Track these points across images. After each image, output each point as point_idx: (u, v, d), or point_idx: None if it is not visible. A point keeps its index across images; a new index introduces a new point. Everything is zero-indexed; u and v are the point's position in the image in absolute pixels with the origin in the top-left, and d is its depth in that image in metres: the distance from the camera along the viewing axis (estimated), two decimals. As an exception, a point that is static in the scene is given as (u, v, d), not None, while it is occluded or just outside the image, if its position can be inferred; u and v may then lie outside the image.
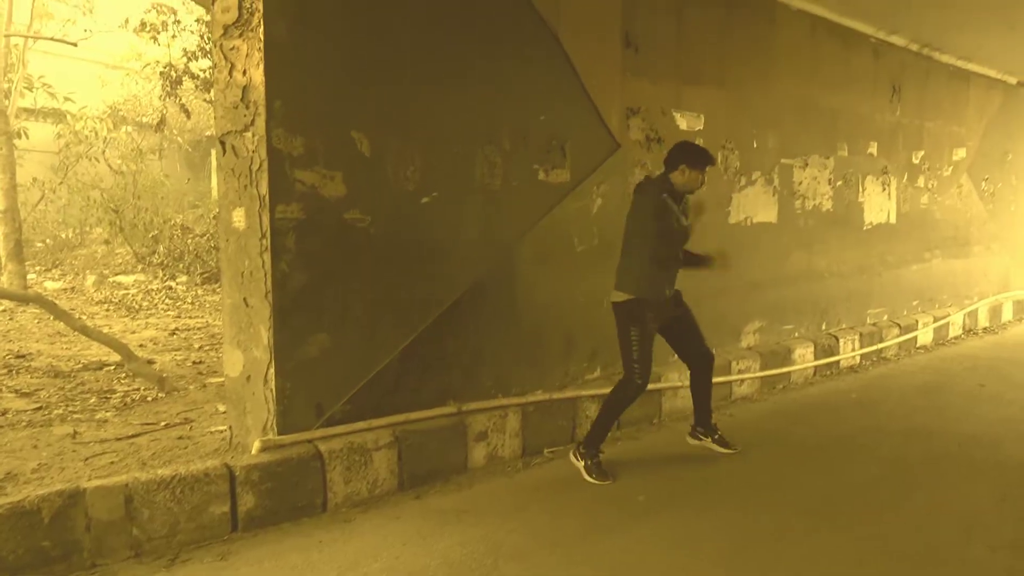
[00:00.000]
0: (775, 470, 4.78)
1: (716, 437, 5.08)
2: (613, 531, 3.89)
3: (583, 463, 4.64)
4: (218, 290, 10.35)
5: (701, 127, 6.16)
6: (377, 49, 4.27)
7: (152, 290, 10.31)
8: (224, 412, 4.91)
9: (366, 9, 4.23)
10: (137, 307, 9.23)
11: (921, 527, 3.93)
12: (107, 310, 9.05)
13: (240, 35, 3.98)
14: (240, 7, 3.96)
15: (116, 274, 11.44)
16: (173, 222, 12.12)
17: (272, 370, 4.01)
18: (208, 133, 16.39)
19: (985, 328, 9.78)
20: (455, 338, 4.72)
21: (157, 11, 10.20)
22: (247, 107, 3.98)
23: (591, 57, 5.33)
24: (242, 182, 4.04)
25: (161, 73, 10.18)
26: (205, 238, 11.35)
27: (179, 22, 10.41)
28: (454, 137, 4.64)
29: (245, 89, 3.98)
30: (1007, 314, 10.35)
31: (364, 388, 4.31)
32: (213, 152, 16.06)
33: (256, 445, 3.96)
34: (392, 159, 4.36)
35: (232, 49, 4.02)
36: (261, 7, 3.87)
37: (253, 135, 3.96)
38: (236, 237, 4.12)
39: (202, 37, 10.28)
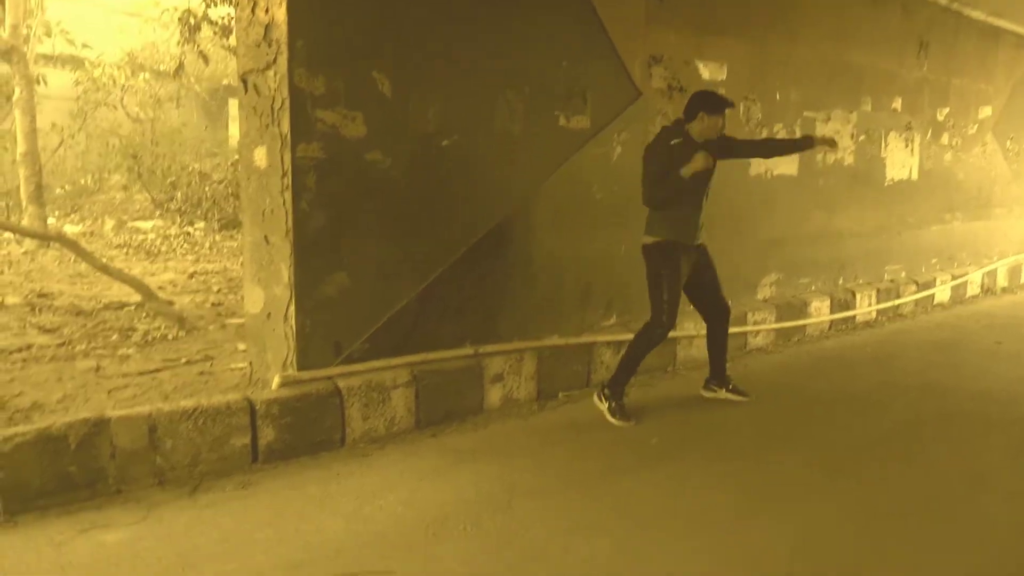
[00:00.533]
0: (787, 421, 4.83)
1: (730, 387, 5.14)
2: (626, 473, 3.96)
3: (607, 404, 4.72)
4: (236, 236, 10.43)
5: (724, 77, 6.11)
6: (399, -11, 4.27)
7: (170, 235, 10.40)
8: (244, 350, 4.99)
9: (389, -52, 4.22)
10: (156, 251, 9.33)
11: (932, 480, 3.97)
12: (126, 253, 9.15)
13: (262, -28, 3.98)
14: (263, -56, 3.96)
15: (135, 220, 11.53)
16: (191, 169, 12.15)
17: (292, 307, 4.07)
18: (225, 82, 16.34)
19: (1004, 288, 9.73)
20: (473, 282, 4.76)
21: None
22: (269, 45, 3.99)
23: (615, 3, 5.29)
24: (264, 121, 4.07)
25: (179, 19, 10.14)
26: (223, 185, 11.40)
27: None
28: (475, 80, 4.64)
29: (267, 27, 3.98)
30: (1027, 275, 10.30)
31: (383, 328, 4.38)
32: (230, 100, 16.05)
33: (276, 380, 4.04)
34: (413, 101, 4.37)
35: (255, -14, 4.03)
36: (284, -56, 3.87)
37: (275, 74, 3.98)
38: (257, 176, 4.16)
39: (221, -18, 10.23)
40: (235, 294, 7.00)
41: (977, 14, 8.77)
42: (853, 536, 3.35)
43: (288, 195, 4.00)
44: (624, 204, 5.48)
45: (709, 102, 4.67)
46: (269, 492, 3.63)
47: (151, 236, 10.26)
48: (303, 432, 4.01)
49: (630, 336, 5.36)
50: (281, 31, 3.92)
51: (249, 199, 4.26)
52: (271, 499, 3.56)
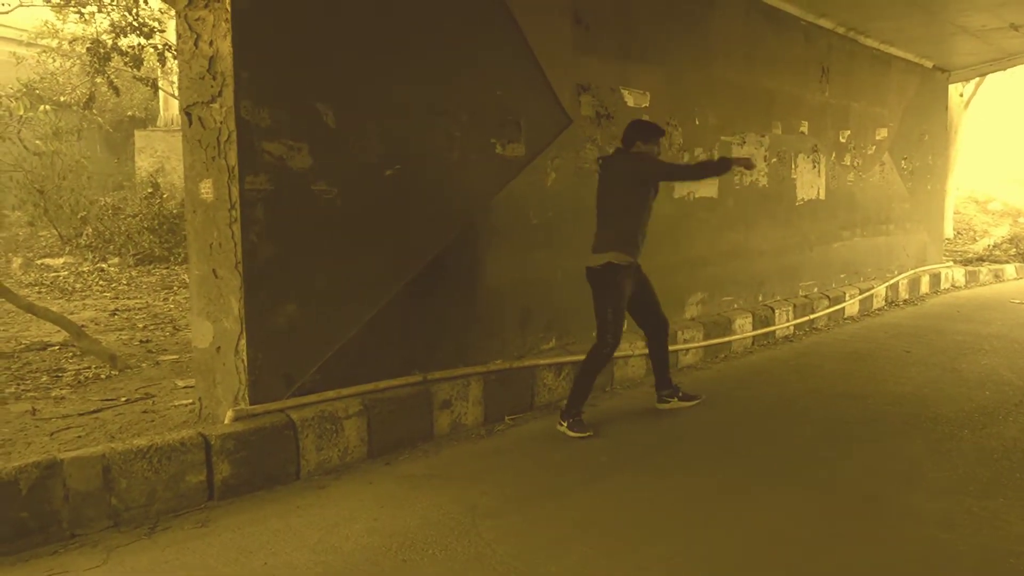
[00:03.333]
0: (726, 432, 5.02)
1: (680, 395, 5.40)
2: (580, 488, 4.06)
3: (566, 424, 4.89)
4: (154, 271, 10.18)
5: (647, 104, 6.36)
6: (340, 21, 4.32)
7: (83, 272, 10.07)
8: (185, 387, 4.92)
9: (330, -19, 4.28)
10: (71, 289, 9.02)
11: (862, 480, 4.20)
12: (39, 292, 8.82)
13: (206, 5, 3.98)
14: (205, -23, 3.96)
15: (42, 257, 11.11)
16: (102, 203, 11.79)
17: (243, 340, 4.04)
18: (130, 112, 15.97)
19: (905, 300, 10.29)
20: (419, 309, 4.81)
21: (82, -16, 9.91)
22: (214, 78, 3.98)
23: (545, 34, 5.47)
24: (209, 153, 4.05)
25: (88, 49, 9.89)
26: (137, 219, 11.10)
27: (105, -5, 10.12)
28: (415, 110, 4.72)
29: (212, 60, 3.98)
30: (924, 287, 10.91)
31: (333, 358, 4.38)
32: (136, 132, 15.65)
33: (229, 415, 3.99)
34: (356, 131, 4.43)
35: (198, 20, 4.02)
36: (228, -23, 3.88)
37: (221, 106, 3.97)
38: (204, 208, 4.13)
39: (130, 12, 10.03)
40: (163, 330, 6.85)
41: (870, 42, 9.35)
42: (797, 537, 3.52)
43: (236, 228, 3.98)
44: (558, 228, 5.66)
45: (644, 131, 5.00)
46: (230, 528, 3.58)
47: (63, 274, 9.91)
48: (258, 466, 3.97)
49: (570, 358, 5.52)
50: (226, 63, 3.92)
51: (196, 232, 4.21)
52: (233, 535, 3.52)
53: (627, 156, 5.03)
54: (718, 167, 5.18)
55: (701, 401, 5.44)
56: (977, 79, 14.38)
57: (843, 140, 9.13)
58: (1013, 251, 14.13)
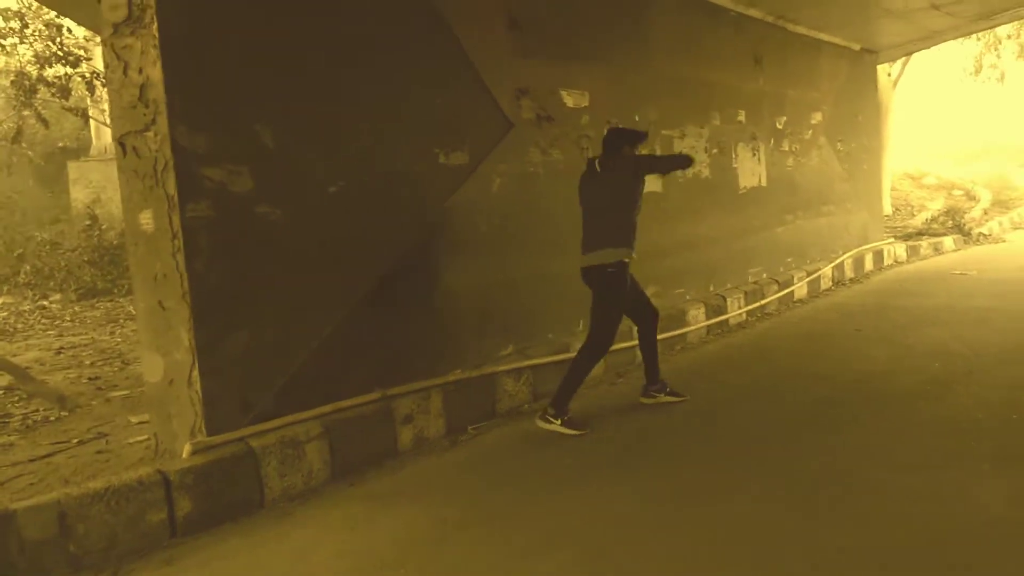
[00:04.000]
0: (693, 422, 5.05)
1: (668, 391, 5.44)
2: (547, 495, 4.03)
3: (558, 421, 4.91)
4: (98, 305, 9.93)
5: (587, 104, 6.37)
6: (273, 39, 4.25)
7: (24, 311, 9.78)
8: (139, 423, 4.80)
9: (260, 1, 4.21)
10: (12, 330, 8.75)
11: (829, 460, 4.24)
12: (-22, 335, 8.55)
13: (132, 32, 3.88)
14: (130, 4, 3.86)
15: (-22, 298, 10.78)
16: (39, 238, 11.48)
17: (196, 371, 3.95)
18: (61, 144, 15.59)
19: (851, 279, 10.49)
20: (374, 324, 4.75)
21: (2, 17, 9.64)
22: (146, 106, 3.89)
23: (480, 40, 5.44)
24: (147, 183, 3.95)
25: (13, 81, 9.64)
26: (77, 252, 10.83)
27: (27, 26, 9.87)
28: (356, 124, 4.67)
29: (143, 88, 3.88)
30: (868, 264, 11.11)
31: (290, 381, 4.30)
32: (69, 164, 15.27)
33: (187, 448, 3.90)
34: (297, 150, 4.35)
35: (124, 48, 3.92)
36: (153, 3, 3.79)
37: (155, 134, 3.88)
38: (145, 240, 4.03)
39: (53, 41, 9.80)
40: (111, 365, 6.69)
41: (800, 29, 9.51)
42: (770, 522, 3.54)
43: (181, 257, 3.89)
44: (507, 234, 5.65)
45: (630, 137, 5.19)
46: (196, 566, 3.49)
47: (3, 314, 9.61)
48: (221, 498, 3.87)
49: (528, 363, 5.51)
50: (158, 90, 3.83)
51: (139, 264, 4.10)
52: (200, 572, 3.43)
53: (619, 156, 5.09)
54: (684, 161, 5.33)
55: (686, 399, 5.43)
56: (904, 58, 14.72)
57: (780, 126, 9.26)
58: (950, 223, 14.47)
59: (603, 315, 5.01)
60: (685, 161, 5.30)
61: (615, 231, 5.00)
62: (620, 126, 5.43)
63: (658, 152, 7.18)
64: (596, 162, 5.15)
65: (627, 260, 4.99)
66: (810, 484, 3.94)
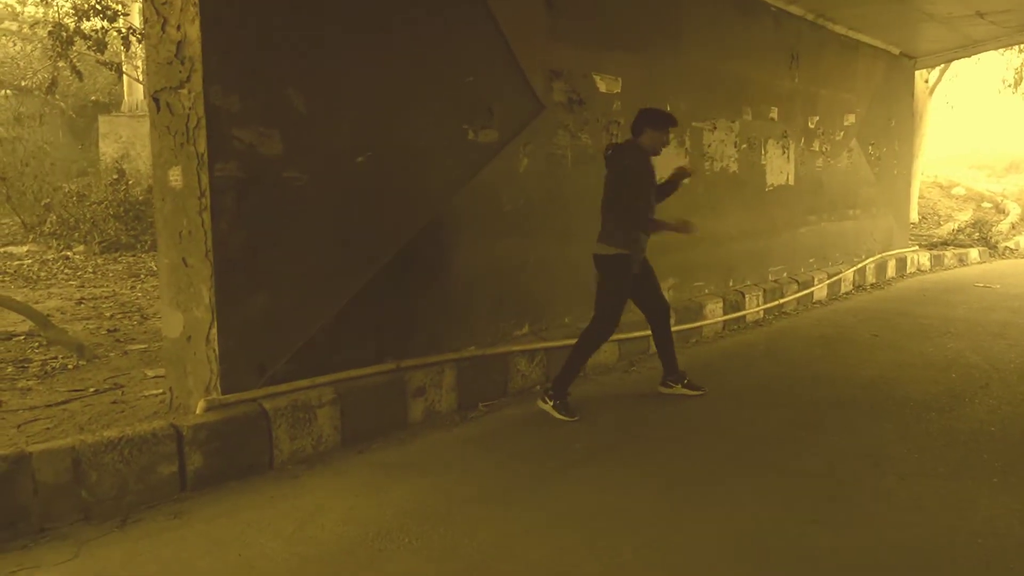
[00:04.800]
0: (699, 417, 5.05)
1: (685, 382, 5.44)
2: (556, 476, 4.07)
3: (551, 403, 4.94)
4: (120, 259, 10.03)
5: (619, 90, 6.35)
6: (310, 5, 4.26)
7: (48, 260, 9.89)
8: (155, 377, 4.86)
9: (300, -35, 4.22)
10: (35, 278, 8.85)
11: (834, 464, 4.23)
12: (2, 281, 8.65)
13: (172, -11, 3.91)
14: (171, -40, 3.88)
15: (4, 245, 10.90)
16: (66, 190, 11.58)
17: (215, 330, 3.99)
18: (94, 97, 15.68)
19: (872, 284, 10.42)
20: (392, 296, 4.78)
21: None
22: (182, 63, 3.91)
23: (517, 19, 5.43)
24: (178, 140, 3.99)
25: (50, 32, 9.67)
26: (103, 206, 10.92)
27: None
28: (386, 96, 4.67)
29: (180, 45, 3.91)
30: (891, 271, 11.05)
31: (305, 346, 4.34)
32: (100, 118, 15.38)
33: (201, 405, 3.95)
34: (327, 117, 4.37)
35: (164, 3, 3.95)
36: (194, -40, 3.81)
37: (189, 92, 3.91)
38: (173, 196, 4.07)
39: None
40: (130, 319, 6.76)
41: (839, 28, 9.41)
42: (771, 523, 3.54)
43: (207, 215, 3.93)
44: (530, 215, 5.65)
45: (654, 119, 5.06)
46: (203, 520, 3.54)
47: (27, 262, 9.72)
48: (231, 457, 3.93)
49: (543, 344, 5.53)
50: (195, 48, 3.85)
51: (165, 221, 4.15)
52: (206, 527, 3.48)
53: (626, 151, 5.05)
54: (652, 225, 5.07)
55: (703, 393, 5.41)
56: (942, 66, 14.53)
57: (812, 126, 9.19)
58: (976, 235, 14.33)
59: (604, 301, 5.04)
60: (638, 220, 5.02)
61: (612, 225, 5.00)
62: (652, 108, 5.32)
63: (687, 144, 7.16)
64: (609, 150, 5.14)
65: (626, 253, 4.97)
66: (811, 485, 3.95)
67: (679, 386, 5.42)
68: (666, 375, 5.45)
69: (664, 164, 6.82)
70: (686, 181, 5.45)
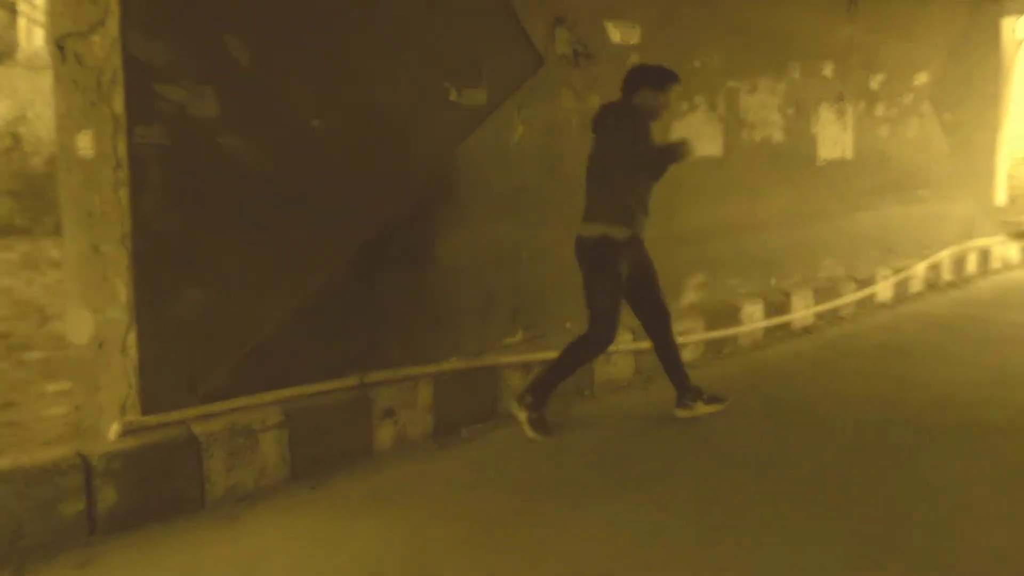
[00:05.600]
0: (731, 443, 5.07)
1: (705, 398, 5.44)
2: (547, 517, 4.06)
3: (525, 414, 5.01)
4: (13, 246, 10.00)
5: (637, 41, 6.37)
6: (256, -67, 4.27)
7: (-76, 247, 9.87)
8: (57, 393, 4.85)
9: None
10: (-93, 268, 8.84)
11: (905, 505, 4.23)
12: None
13: (83, -91, 3.90)
14: None
15: None
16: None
17: (133, 334, 3.99)
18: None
19: (948, 282, 10.47)
20: (356, 295, 4.80)
21: None
22: (94, 3, 3.91)
23: (510, -50, 5.45)
24: (88, 98, 3.99)
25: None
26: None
27: None
28: (350, 46, 4.68)
29: (91, -21, 3.91)
30: (971, 266, 11.09)
31: (248, 356, 4.36)
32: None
33: (115, 428, 3.95)
34: (275, 72, 4.38)
35: (72, -73, 3.94)
36: None
37: (103, 38, 3.90)
38: (82, 167, 4.07)
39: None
40: (26, 320, 6.74)
41: (909, -35, 9.44)
42: (814, 568, 3.57)
43: (124, 191, 3.93)
44: (527, 196, 5.67)
45: (652, 75, 5.06)
46: (116, 569, 3.54)
47: None
48: (153, 491, 3.93)
49: (540, 355, 5.55)
50: (110, -17, 3.85)
51: (71, 197, 4.15)
52: (122, 578, 3.49)
53: (622, 111, 5.08)
54: (674, 153, 5.12)
55: (729, 403, 5.49)
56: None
57: (874, 86, 9.22)
58: (1078, 223, 14.37)
59: (589, 301, 5.06)
60: (675, 153, 5.09)
61: (605, 202, 5.03)
62: (647, 64, 5.38)
63: (720, 110, 7.18)
64: (606, 108, 5.17)
65: (617, 237, 4.98)
66: (884, 536, 3.93)
67: (699, 404, 5.43)
68: (680, 395, 5.45)
69: (697, 133, 6.89)
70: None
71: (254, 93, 4.29)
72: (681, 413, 5.43)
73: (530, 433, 4.98)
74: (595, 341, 5.07)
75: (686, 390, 5.44)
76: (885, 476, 4.60)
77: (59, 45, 4.07)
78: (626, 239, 5.00)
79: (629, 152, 4.98)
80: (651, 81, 5.04)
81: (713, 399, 5.47)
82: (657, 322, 5.35)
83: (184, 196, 4.08)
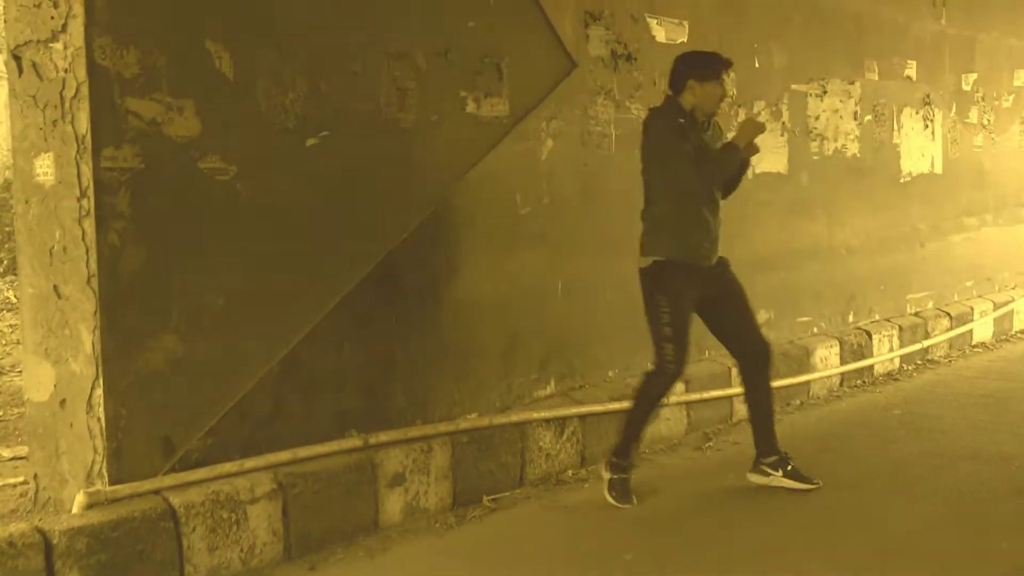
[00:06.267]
0: (805, 517, 5.03)
1: (789, 469, 5.32)
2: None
3: (608, 476, 5.10)
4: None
5: (685, 39, 6.42)
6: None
7: None
8: (13, 459, 4.90)
9: None
10: None
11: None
12: None
13: (41, -101, 3.99)
14: None
15: None
16: None
17: (100, 390, 4.02)
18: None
19: (1060, 318, 10.42)
20: (357, 339, 4.83)
21: None
22: (55, 6, 3.98)
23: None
24: (50, 116, 4.04)
25: None
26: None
27: None
28: (349, 52, 4.74)
29: (51, -21, 3.99)
30: (1087, 299, 11.03)
31: (232, 413, 4.38)
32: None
33: (79, 499, 3.97)
34: (264, 83, 4.43)
35: (29, -80, 4.03)
36: None
37: (65, 47, 3.96)
38: (41, 196, 4.12)
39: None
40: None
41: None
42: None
43: (89, 224, 3.96)
44: (558, 219, 5.69)
45: (697, 65, 5.09)
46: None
47: None
48: (124, 575, 3.95)
49: (577, 410, 5.60)
50: (74, -17, 3.92)
51: (29, 231, 4.20)
52: (88, 678, 3.51)
53: (652, 117, 5.18)
54: (735, 159, 5.19)
55: (815, 488, 5.31)
56: None
57: (967, 87, 9.23)
58: None
59: (652, 332, 5.10)
60: (729, 158, 5.15)
61: (649, 225, 5.16)
62: (691, 52, 5.45)
63: (784, 117, 7.21)
64: (652, 112, 5.27)
65: (660, 260, 5.04)
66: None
67: (779, 475, 5.33)
68: (760, 456, 5.39)
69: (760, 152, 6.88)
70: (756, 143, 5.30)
71: (239, 107, 4.34)
72: (755, 479, 5.38)
73: (608, 498, 5.05)
74: (659, 369, 5.09)
75: (769, 451, 5.37)
76: (990, 548, 4.55)
77: (15, 55, 4.13)
78: (679, 262, 5.04)
79: (657, 166, 5.07)
80: (696, 72, 5.05)
81: (798, 475, 5.31)
82: (751, 358, 5.36)
83: (157, 228, 4.12)
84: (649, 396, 5.17)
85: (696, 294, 5.10)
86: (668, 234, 5.06)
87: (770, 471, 5.35)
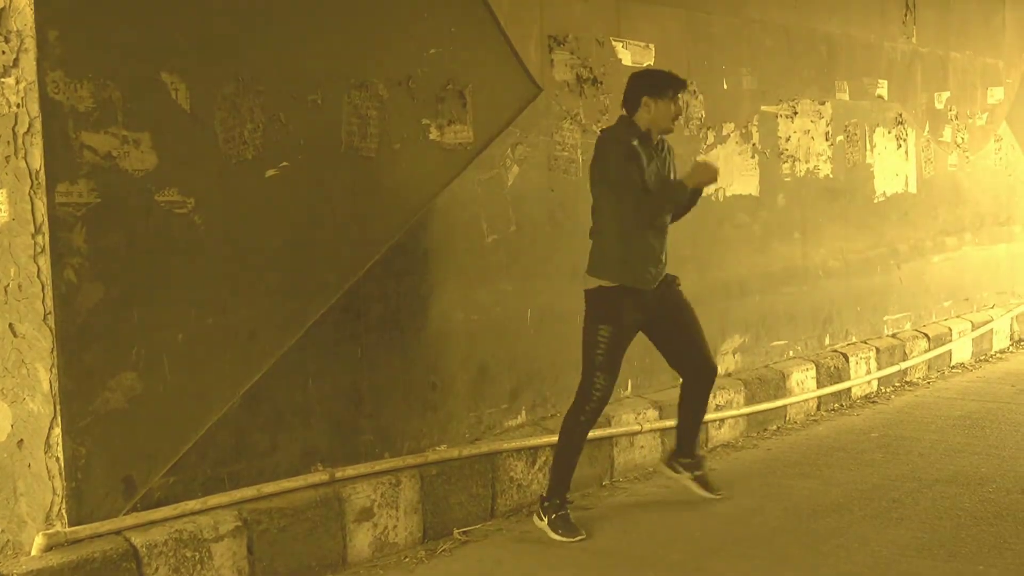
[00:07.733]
0: (776, 544, 5.05)
1: (698, 475, 5.53)
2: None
3: (546, 519, 5.06)
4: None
5: (651, 61, 6.46)
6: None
7: None
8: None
9: None
10: None
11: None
12: None
13: (-10, -67, 4.01)
14: None
15: None
16: None
17: (58, 429, 4.01)
18: None
19: (1039, 337, 10.50)
20: (322, 374, 4.84)
21: None
22: (6, 40, 3.99)
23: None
24: (2, 152, 4.04)
25: None
26: None
27: None
28: (309, 81, 4.77)
29: (2, 13, 4.00)
30: (1067, 317, 11.10)
31: (195, 450, 4.38)
32: None
33: (38, 541, 3.96)
34: (222, 114, 4.45)
35: (-22, -48, 4.05)
36: None
37: (17, 82, 3.97)
38: (-5, 234, 4.13)
39: None
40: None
41: (975, -38, 9.59)
42: None
43: (45, 260, 3.97)
44: (526, 247, 5.72)
45: (651, 83, 5.16)
46: None
47: None
48: (85, 618, 3.95)
49: (548, 439, 5.56)
50: (24, 18, 3.92)
51: (-18, 269, 4.21)
52: None
53: (603, 137, 5.29)
54: (683, 195, 5.27)
55: (719, 497, 5.56)
56: None
57: (940, 106, 9.31)
58: None
59: (584, 354, 5.15)
60: (677, 188, 5.26)
61: (592, 249, 5.24)
62: (645, 69, 5.61)
63: (755, 139, 7.26)
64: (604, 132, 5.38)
65: (605, 285, 5.09)
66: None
67: (688, 476, 5.55)
68: (678, 453, 5.59)
69: (726, 168, 6.96)
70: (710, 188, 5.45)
71: (196, 139, 4.36)
72: (667, 472, 5.61)
73: (555, 537, 5.01)
74: (586, 396, 5.12)
75: (688, 455, 5.57)
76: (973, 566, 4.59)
77: (-35, 90, 4.15)
78: (627, 289, 5.09)
79: (606, 189, 5.11)
80: (650, 90, 5.11)
81: (706, 483, 5.56)
82: (698, 376, 5.45)
83: (114, 264, 4.13)
84: (579, 426, 5.17)
85: (641, 316, 5.16)
86: (614, 260, 5.11)
87: (682, 470, 5.56)
